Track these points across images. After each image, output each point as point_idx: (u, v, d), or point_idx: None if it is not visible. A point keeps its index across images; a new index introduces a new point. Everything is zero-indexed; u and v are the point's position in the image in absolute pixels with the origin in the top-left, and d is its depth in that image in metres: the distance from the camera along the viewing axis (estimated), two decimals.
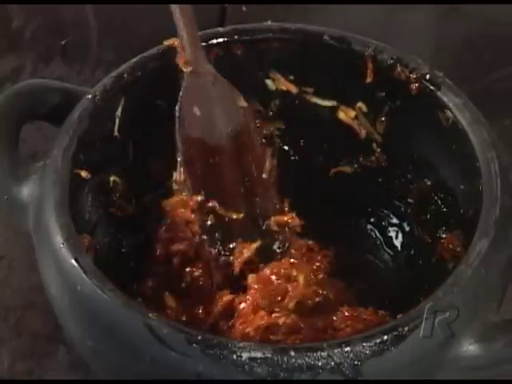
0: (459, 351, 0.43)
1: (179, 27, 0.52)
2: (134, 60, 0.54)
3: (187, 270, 0.54)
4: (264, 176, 0.54)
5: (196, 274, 0.54)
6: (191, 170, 0.52)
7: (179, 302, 0.53)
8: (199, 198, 0.52)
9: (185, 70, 0.52)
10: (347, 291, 0.55)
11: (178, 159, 0.52)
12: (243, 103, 0.53)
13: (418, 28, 0.81)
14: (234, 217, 0.53)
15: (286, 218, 0.54)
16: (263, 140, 0.55)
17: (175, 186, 0.53)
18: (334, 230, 0.58)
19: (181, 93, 0.52)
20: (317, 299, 0.51)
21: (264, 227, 0.54)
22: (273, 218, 0.54)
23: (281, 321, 0.48)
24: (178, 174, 0.53)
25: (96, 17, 0.81)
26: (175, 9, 0.51)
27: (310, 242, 0.56)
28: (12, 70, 0.76)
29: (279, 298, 0.51)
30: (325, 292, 0.52)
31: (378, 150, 0.58)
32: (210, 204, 0.52)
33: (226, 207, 0.53)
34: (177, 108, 0.52)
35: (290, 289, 0.51)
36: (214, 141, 0.52)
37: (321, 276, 0.55)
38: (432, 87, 0.52)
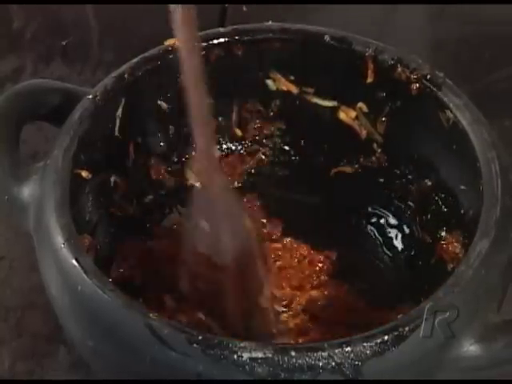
0: (459, 351, 0.43)
1: (196, 137, 0.47)
2: (135, 60, 0.54)
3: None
4: (262, 302, 0.51)
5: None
6: (193, 285, 0.51)
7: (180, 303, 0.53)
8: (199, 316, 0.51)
9: (198, 181, 0.51)
10: (349, 292, 0.55)
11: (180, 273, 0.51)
12: (248, 223, 0.50)
13: (418, 28, 0.81)
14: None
15: None
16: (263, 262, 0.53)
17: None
18: (334, 230, 0.59)
19: (192, 206, 0.50)
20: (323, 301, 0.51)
21: None
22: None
23: (291, 322, 0.49)
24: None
25: (96, 17, 0.81)
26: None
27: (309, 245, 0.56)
28: (12, 70, 0.76)
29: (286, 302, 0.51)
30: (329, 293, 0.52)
31: (379, 150, 0.58)
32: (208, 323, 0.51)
33: (223, 328, 0.50)
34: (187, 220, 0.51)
35: (298, 293, 0.51)
36: (218, 258, 0.49)
37: (323, 278, 0.55)
38: (432, 87, 0.52)
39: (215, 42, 0.56)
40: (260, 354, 0.40)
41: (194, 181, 0.52)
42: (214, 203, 0.49)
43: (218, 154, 0.50)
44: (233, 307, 0.50)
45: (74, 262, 0.44)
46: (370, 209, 0.60)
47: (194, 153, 0.52)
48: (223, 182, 0.50)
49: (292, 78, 0.58)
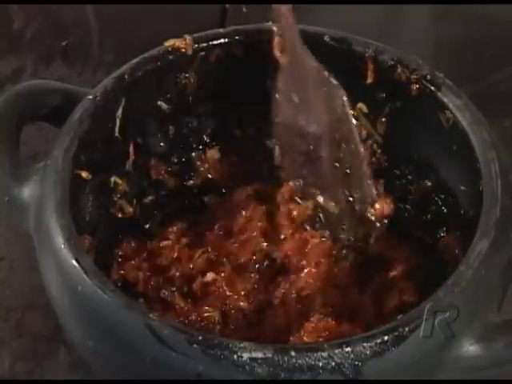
0: (459, 351, 0.43)
1: (278, 14, 0.51)
2: (135, 61, 0.54)
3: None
4: (363, 168, 0.53)
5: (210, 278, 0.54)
6: (289, 157, 0.52)
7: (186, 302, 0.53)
8: (298, 183, 0.52)
9: (282, 57, 0.52)
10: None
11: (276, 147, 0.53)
12: (342, 93, 0.52)
13: (418, 28, 0.81)
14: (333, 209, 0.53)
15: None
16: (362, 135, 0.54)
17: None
18: None
19: (278, 79, 0.52)
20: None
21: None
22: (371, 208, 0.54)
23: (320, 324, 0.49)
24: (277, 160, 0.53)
25: (97, 17, 0.81)
26: None
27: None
28: (13, 70, 0.76)
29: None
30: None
31: (379, 150, 0.58)
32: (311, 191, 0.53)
33: (326, 197, 0.53)
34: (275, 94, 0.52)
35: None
36: (312, 128, 0.52)
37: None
38: (432, 88, 0.52)
39: (215, 42, 0.56)
40: (260, 354, 0.40)
41: (279, 57, 0.53)
42: (303, 75, 0.51)
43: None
44: (331, 176, 0.52)
45: (74, 262, 0.44)
46: None
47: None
48: (307, 54, 0.52)
49: None
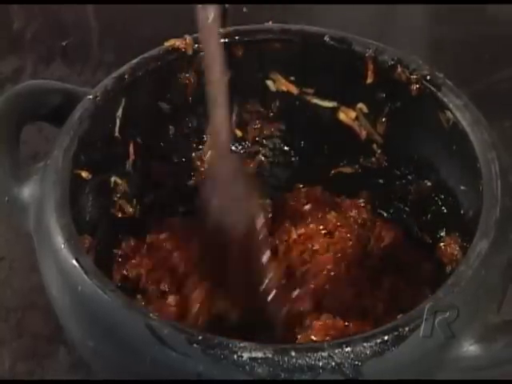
0: (459, 351, 0.43)
1: (212, 117, 0.48)
2: (135, 61, 0.54)
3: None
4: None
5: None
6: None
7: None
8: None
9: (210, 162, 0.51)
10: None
11: None
12: (258, 203, 0.51)
13: (419, 28, 0.81)
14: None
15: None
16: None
17: None
18: None
19: (205, 186, 0.51)
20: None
21: None
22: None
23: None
24: None
25: (97, 18, 0.82)
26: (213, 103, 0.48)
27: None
28: (13, 70, 0.76)
29: None
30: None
31: (379, 150, 0.58)
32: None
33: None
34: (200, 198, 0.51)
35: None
36: (225, 235, 0.50)
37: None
38: (432, 88, 0.52)
39: None
40: (260, 354, 0.40)
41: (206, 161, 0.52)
42: (225, 183, 0.50)
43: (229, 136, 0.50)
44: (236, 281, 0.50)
45: (74, 262, 0.44)
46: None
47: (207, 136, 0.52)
48: (234, 163, 0.51)
49: (292, 78, 0.58)
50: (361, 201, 0.59)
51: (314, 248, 0.56)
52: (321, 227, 0.57)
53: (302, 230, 0.57)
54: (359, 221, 0.58)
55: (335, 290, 0.53)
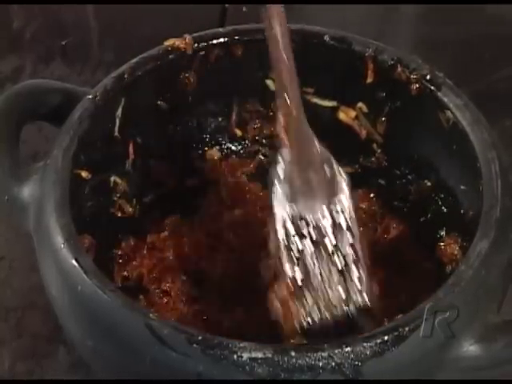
0: (459, 351, 0.43)
1: (279, 82, 0.47)
2: (135, 60, 0.54)
3: None
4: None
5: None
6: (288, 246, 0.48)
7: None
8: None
9: (285, 138, 0.48)
10: None
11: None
12: (343, 175, 0.48)
13: (418, 28, 0.81)
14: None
15: None
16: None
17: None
18: None
19: (281, 163, 0.48)
20: None
21: None
22: None
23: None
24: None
25: (96, 17, 0.81)
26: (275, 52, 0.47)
27: None
28: (12, 70, 0.76)
29: None
30: None
31: (379, 150, 0.58)
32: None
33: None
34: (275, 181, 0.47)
35: None
36: (312, 214, 0.47)
37: None
38: (432, 88, 0.52)
39: (215, 42, 0.56)
40: (260, 354, 0.40)
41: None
42: (306, 158, 0.48)
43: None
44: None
45: (73, 262, 0.44)
46: None
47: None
48: (310, 141, 0.49)
49: None
50: (372, 195, 0.58)
51: None
52: None
53: None
54: (368, 211, 0.58)
55: None
